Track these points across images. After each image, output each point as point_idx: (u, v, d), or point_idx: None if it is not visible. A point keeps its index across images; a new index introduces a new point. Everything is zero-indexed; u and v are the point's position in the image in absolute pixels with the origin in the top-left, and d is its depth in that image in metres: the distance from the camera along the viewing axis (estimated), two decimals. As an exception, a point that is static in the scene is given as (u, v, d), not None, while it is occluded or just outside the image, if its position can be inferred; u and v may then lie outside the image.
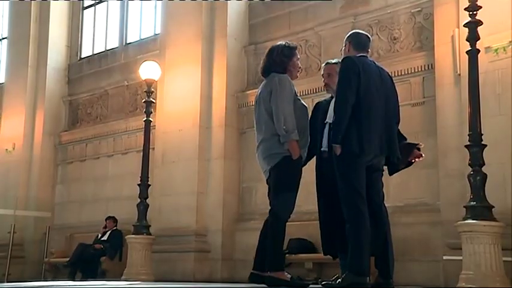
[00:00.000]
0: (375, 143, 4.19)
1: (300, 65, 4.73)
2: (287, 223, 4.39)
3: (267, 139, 4.41)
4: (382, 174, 4.45)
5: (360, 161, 4.16)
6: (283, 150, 4.33)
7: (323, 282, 4.51)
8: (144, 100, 8.73)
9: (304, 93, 7.55)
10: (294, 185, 4.37)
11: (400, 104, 4.60)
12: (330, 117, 4.48)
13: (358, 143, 4.11)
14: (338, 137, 4.14)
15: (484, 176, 5.17)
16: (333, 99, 4.49)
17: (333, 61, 4.82)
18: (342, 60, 4.34)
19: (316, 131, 4.56)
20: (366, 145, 4.13)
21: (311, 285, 4.68)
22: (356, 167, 4.16)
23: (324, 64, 4.95)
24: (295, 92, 4.52)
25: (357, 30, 4.79)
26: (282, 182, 4.37)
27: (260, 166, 4.57)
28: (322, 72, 4.88)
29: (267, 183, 4.57)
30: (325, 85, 4.82)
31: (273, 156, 4.37)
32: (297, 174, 4.38)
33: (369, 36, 4.64)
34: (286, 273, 4.32)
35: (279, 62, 4.54)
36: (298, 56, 4.73)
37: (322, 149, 4.53)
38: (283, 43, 4.69)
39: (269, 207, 4.45)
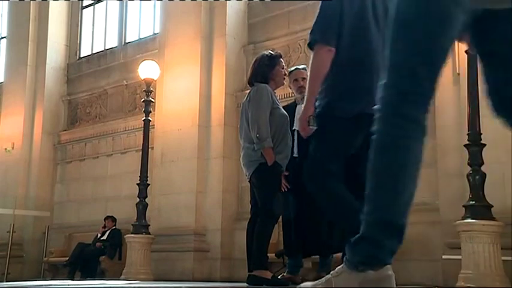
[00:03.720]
0: None
1: (285, 72, 4.80)
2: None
3: (246, 147, 4.57)
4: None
5: None
6: (258, 157, 4.46)
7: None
8: (143, 99, 8.70)
9: (303, 93, 7.54)
10: (274, 188, 4.49)
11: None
12: (296, 124, 4.65)
13: None
14: None
15: (483, 176, 5.17)
16: (299, 106, 4.69)
17: (301, 67, 5.08)
18: None
19: None
20: None
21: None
22: None
23: (294, 69, 5.11)
24: (275, 101, 4.59)
25: None
26: (263, 186, 4.52)
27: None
28: (294, 77, 5.03)
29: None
30: (300, 87, 4.91)
31: (251, 164, 4.53)
32: (275, 178, 4.50)
33: None
34: (268, 272, 4.39)
35: (261, 72, 4.66)
36: (283, 64, 4.80)
37: (293, 155, 4.72)
38: (266, 53, 4.80)
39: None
